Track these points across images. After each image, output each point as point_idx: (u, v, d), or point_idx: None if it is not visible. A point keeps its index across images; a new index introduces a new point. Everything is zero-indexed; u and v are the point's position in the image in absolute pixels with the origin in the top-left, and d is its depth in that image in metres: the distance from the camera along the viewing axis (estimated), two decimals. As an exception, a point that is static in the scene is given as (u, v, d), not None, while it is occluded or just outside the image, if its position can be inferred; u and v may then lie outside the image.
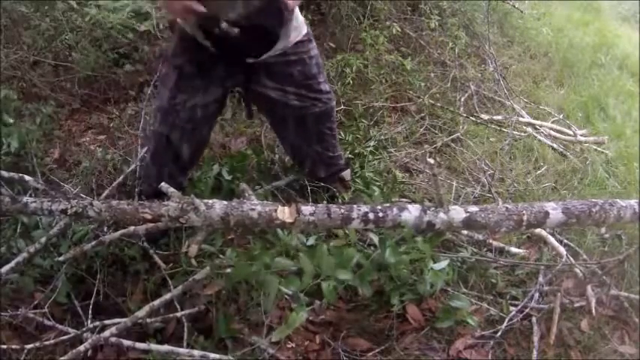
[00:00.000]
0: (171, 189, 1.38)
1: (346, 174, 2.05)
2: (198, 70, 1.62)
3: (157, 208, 1.34)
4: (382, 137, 2.48)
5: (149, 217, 1.35)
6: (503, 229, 1.42)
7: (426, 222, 1.38)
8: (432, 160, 1.45)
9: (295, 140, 1.89)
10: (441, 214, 1.38)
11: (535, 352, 1.55)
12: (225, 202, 1.35)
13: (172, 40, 1.66)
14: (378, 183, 2.14)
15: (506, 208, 1.43)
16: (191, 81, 1.62)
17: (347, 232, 1.65)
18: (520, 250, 1.93)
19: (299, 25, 1.67)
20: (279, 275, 1.38)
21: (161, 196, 1.52)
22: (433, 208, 1.39)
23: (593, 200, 1.49)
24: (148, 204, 1.37)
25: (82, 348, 1.35)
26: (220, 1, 1.47)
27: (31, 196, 1.64)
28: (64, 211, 1.40)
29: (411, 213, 1.37)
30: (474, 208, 1.41)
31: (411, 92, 2.82)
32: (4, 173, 1.75)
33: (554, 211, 1.43)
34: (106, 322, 1.45)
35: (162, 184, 1.41)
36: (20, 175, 1.76)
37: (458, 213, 1.39)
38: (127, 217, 1.37)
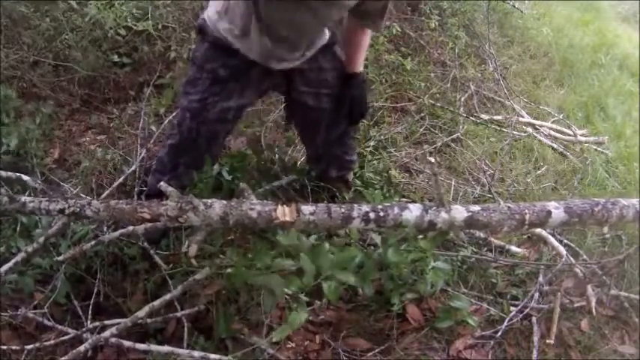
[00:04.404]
0: (170, 188, 1.37)
1: (349, 174, 2.06)
2: (232, 74, 1.63)
3: (155, 208, 1.33)
4: (382, 137, 2.48)
5: (148, 216, 1.34)
6: (505, 228, 1.41)
7: (427, 221, 1.37)
8: (432, 159, 1.44)
9: (320, 142, 1.90)
10: (443, 214, 1.37)
11: (535, 352, 1.55)
12: (224, 202, 1.34)
13: (201, 44, 1.66)
14: (377, 184, 2.14)
15: (509, 207, 1.42)
16: (225, 85, 1.63)
17: (348, 231, 1.65)
18: (520, 250, 1.93)
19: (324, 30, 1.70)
20: (279, 275, 1.37)
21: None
22: (434, 208, 1.38)
23: (596, 199, 1.48)
24: (147, 203, 1.36)
25: (82, 348, 1.35)
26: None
27: (29, 195, 1.64)
28: (61, 211, 1.39)
29: (412, 212, 1.36)
30: (475, 208, 1.40)
31: (411, 92, 2.82)
32: (2, 173, 1.75)
33: (557, 210, 1.42)
34: (106, 322, 1.45)
35: (162, 183, 1.41)
36: (18, 174, 1.76)
37: (460, 212, 1.38)
38: (125, 216, 1.36)
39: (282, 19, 1.51)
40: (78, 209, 1.38)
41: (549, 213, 1.42)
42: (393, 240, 1.45)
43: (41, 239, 1.48)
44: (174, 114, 1.88)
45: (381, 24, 1.70)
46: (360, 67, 1.75)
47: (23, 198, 1.43)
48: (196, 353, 1.37)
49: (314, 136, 1.90)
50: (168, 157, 1.77)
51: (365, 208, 1.36)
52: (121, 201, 1.39)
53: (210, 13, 1.61)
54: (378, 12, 1.63)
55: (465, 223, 1.38)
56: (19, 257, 1.45)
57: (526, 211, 1.41)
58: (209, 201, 1.34)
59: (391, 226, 1.37)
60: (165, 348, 1.39)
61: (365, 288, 1.41)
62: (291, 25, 1.53)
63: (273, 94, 2.28)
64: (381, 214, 1.35)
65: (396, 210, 1.36)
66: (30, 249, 1.48)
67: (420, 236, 1.47)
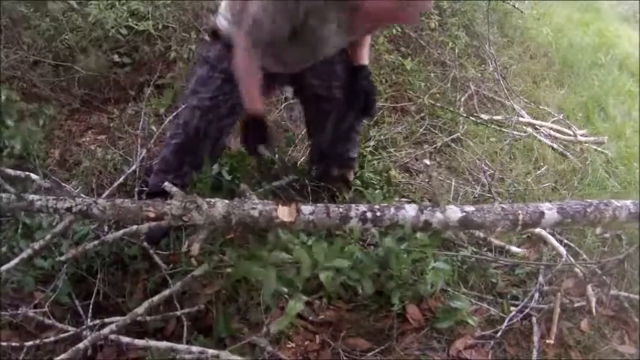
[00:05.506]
0: (174, 188, 1.39)
1: (349, 173, 2.07)
2: None
3: (160, 207, 1.35)
4: (382, 137, 2.48)
5: (152, 215, 1.35)
6: (499, 228, 1.43)
7: (422, 221, 1.39)
8: (427, 161, 1.46)
9: (328, 137, 1.91)
10: (438, 214, 1.39)
11: (535, 352, 1.55)
12: (226, 201, 1.36)
13: (214, 45, 1.68)
14: (377, 184, 2.14)
15: (502, 207, 1.44)
16: (236, 85, 1.63)
17: (348, 232, 1.65)
18: (520, 250, 1.94)
19: None
20: (276, 268, 1.37)
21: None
22: (430, 208, 1.40)
23: (589, 200, 1.49)
24: (152, 202, 1.37)
25: (81, 346, 1.35)
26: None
27: (35, 194, 1.64)
28: (69, 209, 1.40)
29: (409, 212, 1.39)
30: (470, 208, 1.42)
31: (411, 92, 2.82)
32: (10, 171, 1.76)
33: (550, 211, 1.44)
34: (106, 319, 1.45)
35: (166, 183, 1.42)
36: (26, 173, 1.77)
37: (454, 212, 1.40)
38: (130, 215, 1.38)
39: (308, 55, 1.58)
40: (85, 207, 1.39)
41: (542, 214, 1.43)
42: (392, 237, 1.45)
43: (48, 237, 1.48)
44: (174, 114, 1.88)
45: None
46: (365, 60, 1.77)
47: (31, 196, 1.44)
48: (195, 348, 1.38)
49: (323, 129, 1.90)
50: (172, 156, 1.77)
51: (362, 207, 1.38)
52: (126, 200, 1.40)
53: (222, 22, 1.64)
54: None
55: (459, 223, 1.40)
56: (24, 254, 1.45)
57: (519, 211, 1.42)
58: (212, 200, 1.35)
59: (388, 226, 1.39)
60: (164, 344, 1.39)
61: (364, 283, 1.42)
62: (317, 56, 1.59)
63: (283, 91, 2.30)
64: (378, 213, 1.37)
65: (393, 210, 1.38)
66: (37, 246, 1.48)
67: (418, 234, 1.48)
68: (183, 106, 1.77)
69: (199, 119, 1.68)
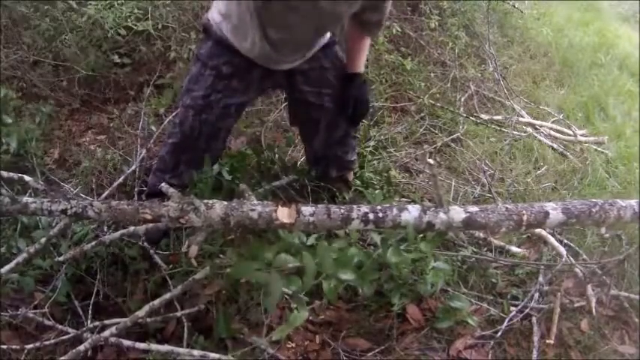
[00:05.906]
0: (171, 189, 1.38)
1: (349, 174, 2.06)
2: (235, 72, 1.64)
3: (157, 209, 1.34)
4: (382, 137, 2.48)
5: (149, 217, 1.34)
6: (503, 229, 1.42)
7: (425, 222, 1.38)
8: (431, 161, 1.45)
9: (320, 143, 1.91)
10: (441, 215, 1.38)
11: (535, 352, 1.55)
12: (225, 203, 1.35)
13: (206, 42, 1.67)
14: (377, 184, 2.14)
15: (507, 208, 1.43)
16: (228, 82, 1.64)
17: (347, 232, 1.65)
18: (520, 250, 1.93)
19: None
20: (279, 272, 1.37)
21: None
22: (433, 209, 1.39)
23: (593, 200, 1.48)
24: (148, 204, 1.36)
25: (81, 348, 1.35)
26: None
27: (30, 196, 1.64)
28: (63, 212, 1.39)
29: (411, 213, 1.37)
30: (474, 208, 1.41)
31: (411, 92, 2.82)
32: (4, 173, 1.75)
33: (554, 211, 1.43)
34: (106, 322, 1.45)
35: (163, 184, 1.41)
36: (20, 175, 1.76)
37: (458, 213, 1.39)
38: (126, 217, 1.37)
39: (282, 25, 1.52)
40: (80, 210, 1.38)
41: (547, 214, 1.43)
42: (393, 240, 1.45)
43: (43, 240, 1.48)
44: (174, 114, 1.89)
45: (378, 33, 1.74)
46: (360, 68, 1.76)
47: (25, 199, 1.43)
48: (196, 352, 1.37)
49: (315, 135, 1.90)
50: (169, 155, 1.77)
51: (364, 209, 1.37)
52: (122, 202, 1.39)
53: (213, 15, 1.64)
54: (376, 23, 1.65)
55: (463, 223, 1.39)
56: (20, 258, 1.45)
57: (524, 211, 1.42)
58: (210, 202, 1.34)
59: (390, 227, 1.38)
60: (165, 347, 1.39)
61: (365, 288, 1.41)
62: (290, 31, 1.54)
63: (274, 93, 2.29)
64: (380, 215, 1.36)
65: (395, 211, 1.37)
66: (32, 250, 1.48)
67: (420, 236, 1.47)
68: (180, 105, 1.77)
69: (193, 118, 1.67)
